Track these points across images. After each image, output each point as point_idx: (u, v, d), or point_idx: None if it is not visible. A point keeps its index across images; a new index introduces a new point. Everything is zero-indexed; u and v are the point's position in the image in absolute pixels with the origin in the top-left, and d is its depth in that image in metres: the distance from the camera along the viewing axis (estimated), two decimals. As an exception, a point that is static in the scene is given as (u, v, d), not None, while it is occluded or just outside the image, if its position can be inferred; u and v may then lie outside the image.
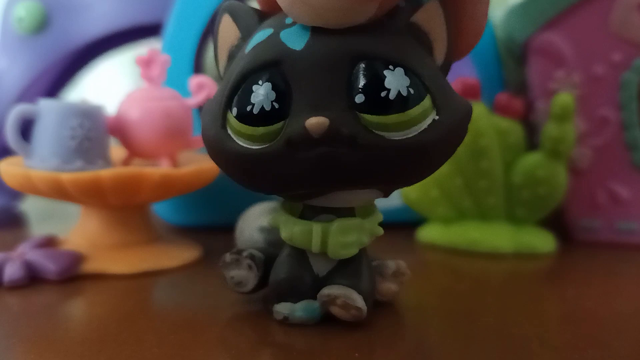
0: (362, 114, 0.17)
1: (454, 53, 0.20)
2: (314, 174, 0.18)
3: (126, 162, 0.32)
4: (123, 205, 0.29)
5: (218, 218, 0.38)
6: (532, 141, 0.35)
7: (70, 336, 0.20)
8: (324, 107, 0.17)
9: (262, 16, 0.20)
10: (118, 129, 0.30)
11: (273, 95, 0.18)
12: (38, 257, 0.26)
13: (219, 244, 0.33)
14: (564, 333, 0.21)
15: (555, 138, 0.33)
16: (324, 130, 0.17)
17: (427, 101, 0.18)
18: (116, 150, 0.32)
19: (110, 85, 0.54)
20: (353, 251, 0.21)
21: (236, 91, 0.19)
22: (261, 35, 0.19)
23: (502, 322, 0.22)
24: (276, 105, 0.18)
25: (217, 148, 0.19)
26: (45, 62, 0.40)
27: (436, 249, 0.35)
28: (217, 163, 0.20)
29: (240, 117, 0.18)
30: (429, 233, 0.36)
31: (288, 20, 0.19)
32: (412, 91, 0.17)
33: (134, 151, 0.31)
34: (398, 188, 0.21)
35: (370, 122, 0.17)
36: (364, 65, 0.18)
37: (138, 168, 0.27)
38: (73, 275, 0.26)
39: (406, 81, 0.17)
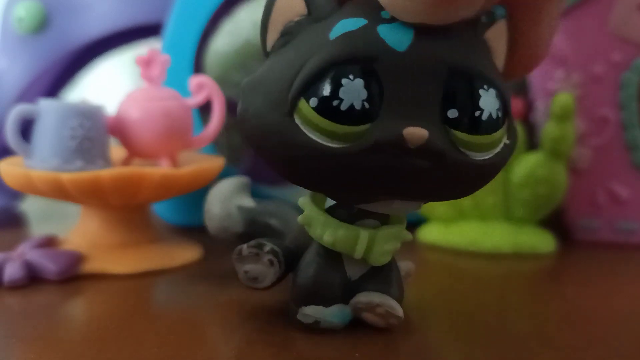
0: (452, 130, 0.17)
1: (508, 73, 0.19)
2: (387, 181, 0.17)
3: (126, 162, 0.32)
4: (123, 205, 0.29)
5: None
6: (532, 141, 0.35)
7: (70, 336, 0.20)
8: (416, 116, 0.17)
9: (340, 0, 0.19)
10: (118, 129, 0.30)
11: (365, 94, 0.17)
12: (38, 257, 0.26)
13: (219, 245, 0.33)
14: (564, 333, 0.21)
15: (555, 138, 0.33)
16: (421, 143, 0.16)
17: (505, 125, 0.18)
18: (116, 150, 0.32)
19: (110, 85, 0.54)
20: (389, 258, 0.20)
21: (317, 79, 0.17)
22: (351, 23, 0.17)
23: (502, 322, 0.22)
24: (367, 106, 0.17)
25: (277, 137, 0.17)
26: (45, 62, 0.40)
27: (436, 249, 0.35)
28: (261, 150, 0.19)
29: (323, 111, 0.17)
30: (429, 233, 0.36)
31: (385, 14, 0.17)
32: (500, 114, 0.18)
33: (134, 151, 0.31)
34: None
35: (459, 140, 0.17)
36: (461, 81, 0.17)
37: (138, 168, 0.27)
38: (73, 275, 0.26)
39: (497, 104, 0.17)
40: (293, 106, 0.17)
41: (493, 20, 0.18)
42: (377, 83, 0.17)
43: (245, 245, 0.21)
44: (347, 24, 0.17)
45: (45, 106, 0.28)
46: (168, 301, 0.25)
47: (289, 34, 0.19)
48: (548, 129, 0.33)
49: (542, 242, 0.34)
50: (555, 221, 0.36)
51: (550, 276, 0.31)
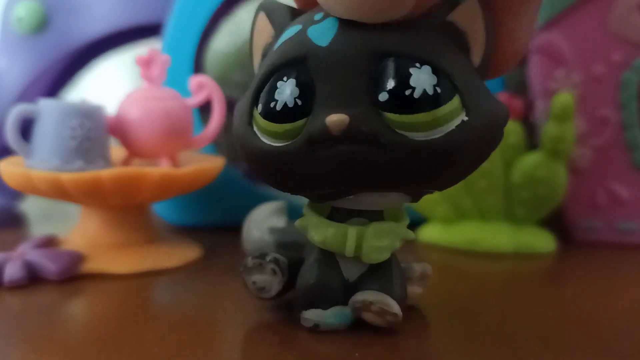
0: (385, 113, 0.17)
1: (489, 68, 0.19)
2: (335, 173, 0.18)
3: (126, 162, 0.32)
4: (123, 205, 0.29)
5: (218, 218, 0.38)
6: (532, 141, 0.35)
7: (70, 336, 0.20)
8: (347, 104, 0.17)
9: (295, 14, 0.20)
10: (118, 129, 0.30)
11: (297, 91, 0.18)
12: (38, 257, 0.26)
13: (219, 244, 0.33)
14: (564, 333, 0.21)
15: (555, 138, 0.33)
16: (343, 128, 0.17)
17: (455, 101, 0.17)
18: (116, 150, 0.32)
19: (110, 85, 0.54)
20: (386, 255, 0.20)
21: (262, 88, 0.18)
22: (290, 31, 0.19)
23: (502, 322, 0.22)
24: (299, 102, 0.18)
25: (244, 145, 0.19)
26: (45, 62, 0.40)
27: (436, 249, 0.35)
28: (245, 160, 0.20)
29: (265, 114, 0.18)
30: (429, 233, 0.36)
31: (317, 17, 0.18)
32: (439, 90, 0.17)
33: (134, 151, 0.31)
34: (427, 192, 0.20)
35: (394, 121, 0.17)
36: (388, 63, 0.17)
37: (138, 168, 0.27)
38: (73, 275, 0.26)
39: (433, 80, 0.17)
40: (250, 116, 0.19)
41: (456, 2, 0.18)
42: (308, 80, 0.18)
43: (250, 257, 0.22)
44: (287, 33, 0.19)
45: (45, 106, 0.28)
46: (168, 301, 0.25)
47: (265, 55, 0.20)
48: (548, 129, 0.33)
49: (542, 242, 0.34)
50: (555, 221, 0.36)
51: (550, 276, 0.31)
